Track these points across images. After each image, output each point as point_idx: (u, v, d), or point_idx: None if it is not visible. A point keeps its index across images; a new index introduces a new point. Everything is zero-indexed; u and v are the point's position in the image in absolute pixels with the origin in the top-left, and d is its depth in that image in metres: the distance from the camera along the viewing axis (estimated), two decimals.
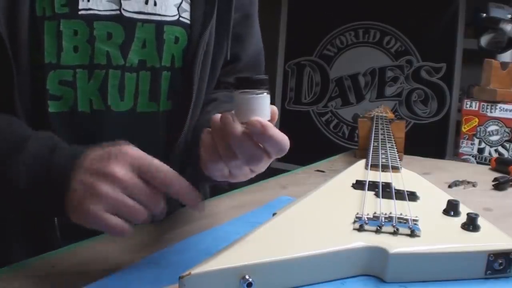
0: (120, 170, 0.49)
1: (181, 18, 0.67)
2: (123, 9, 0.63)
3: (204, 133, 0.54)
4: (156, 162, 0.51)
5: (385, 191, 0.65)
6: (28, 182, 0.51)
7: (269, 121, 0.48)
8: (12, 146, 0.53)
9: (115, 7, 0.62)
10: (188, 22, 0.68)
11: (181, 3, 0.68)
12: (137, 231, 0.53)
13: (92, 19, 0.61)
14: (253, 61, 0.82)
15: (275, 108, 0.50)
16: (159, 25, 0.65)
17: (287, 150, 0.49)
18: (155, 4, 0.65)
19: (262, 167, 0.52)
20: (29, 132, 0.55)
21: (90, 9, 0.61)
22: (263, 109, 0.48)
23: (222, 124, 0.49)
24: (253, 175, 0.55)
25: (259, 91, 0.48)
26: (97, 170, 0.50)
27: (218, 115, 0.51)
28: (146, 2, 0.65)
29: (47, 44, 0.60)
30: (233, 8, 0.72)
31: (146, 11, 0.64)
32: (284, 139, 0.48)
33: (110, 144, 0.52)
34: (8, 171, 0.52)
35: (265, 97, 0.48)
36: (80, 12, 0.60)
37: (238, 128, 0.48)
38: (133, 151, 0.51)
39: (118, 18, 0.63)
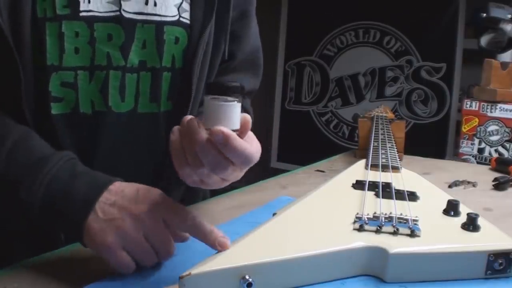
0: (147, 213, 0.50)
1: (181, 18, 0.67)
2: (123, 10, 0.63)
3: (173, 132, 0.52)
4: (183, 210, 0.52)
5: (385, 191, 0.65)
6: (44, 201, 0.52)
7: (237, 130, 0.46)
8: (31, 164, 0.54)
9: (115, 8, 0.62)
10: (188, 22, 0.68)
11: (181, 3, 0.67)
12: None
13: (92, 20, 0.61)
14: (249, 59, 0.81)
15: (248, 118, 0.48)
16: (159, 26, 0.65)
17: (254, 162, 0.47)
18: (155, 4, 0.65)
19: (234, 176, 0.50)
20: (48, 150, 0.56)
21: (90, 10, 0.61)
22: (232, 118, 0.46)
23: (187, 129, 0.47)
24: (226, 184, 0.52)
25: (230, 99, 0.46)
26: (125, 207, 0.51)
27: (188, 117, 0.49)
28: (146, 3, 0.64)
29: (49, 46, 0.60)
30: (231, 7, 0.72)
31: (146, 11, 0.64)
32: (248, 151, 0.46)
33: (138, 185, 0.53)
34: (25, 189, 0.52)
35: (235, 106, 0.46)
36: (81, 14, 0.60)
37: (203, 134, 0.46)
38: (164, 198, 0.52)
39: (118, 19, 0.62)
